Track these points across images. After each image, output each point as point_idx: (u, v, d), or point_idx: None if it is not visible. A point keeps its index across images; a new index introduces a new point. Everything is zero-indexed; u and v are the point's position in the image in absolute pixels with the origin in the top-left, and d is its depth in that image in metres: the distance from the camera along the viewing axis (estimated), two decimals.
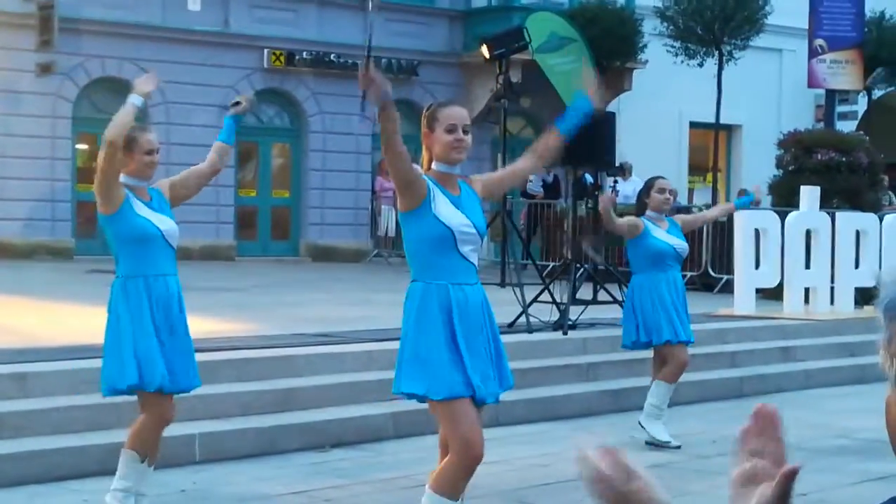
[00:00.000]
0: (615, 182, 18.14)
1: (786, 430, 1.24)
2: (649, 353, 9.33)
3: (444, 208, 5.34)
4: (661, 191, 9.08)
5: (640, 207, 9.19)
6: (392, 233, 23.07)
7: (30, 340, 9.74)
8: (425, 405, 5.50)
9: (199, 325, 10.58)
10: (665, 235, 8.98)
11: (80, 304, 12.13)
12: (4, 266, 17.58)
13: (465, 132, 5.41)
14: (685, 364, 9.12)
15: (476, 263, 5.50)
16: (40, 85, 21.72)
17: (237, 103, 6.78)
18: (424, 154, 5.56)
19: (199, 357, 8.67)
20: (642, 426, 9.06)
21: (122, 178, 6.33)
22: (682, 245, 9.07)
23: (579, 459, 1.29)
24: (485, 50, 14.00)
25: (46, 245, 21.78)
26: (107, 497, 6.38)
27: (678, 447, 9.00)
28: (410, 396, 5.47)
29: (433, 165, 5.47)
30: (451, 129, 5.38)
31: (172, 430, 7.81)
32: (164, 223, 6.35)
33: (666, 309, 8.90)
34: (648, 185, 9.19)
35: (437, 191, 5.37)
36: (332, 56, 24.57)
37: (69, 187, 22.30)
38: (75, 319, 11.10)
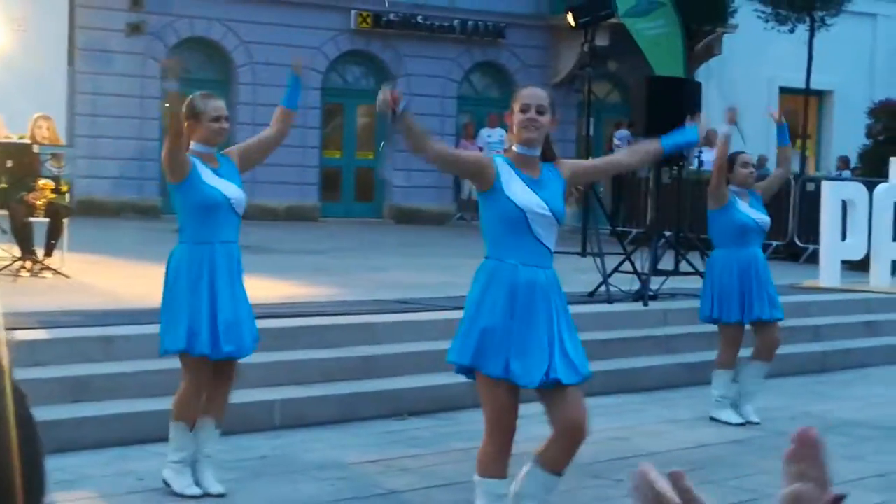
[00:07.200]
0: (700, 152, 17.90)
1: (829, 454, 1.23)
2: None
3: (516, 189, 5.39)
4: (745, 165, 8.93)
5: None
6: (475, 196, 23.02)
7: (116, 302, 9.89)
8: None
9: (280, 290, 10.72)
10: (748, 209, 8.84)
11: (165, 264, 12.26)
12: (93, 224, 17.83)
13: (539, 112, 5.45)
14: (776, 342, 9.05)
15: (552, 247, 5.50)
16: (130, 44, 21.97)
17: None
18: (508, 135, 5.75)
19: (278, 322, 8.82)
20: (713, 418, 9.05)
21: (192, 145, 6.39)
22: (764, 219, 8.90)
23: (638, 475, 1.26)
24: (570, 18, 13.89)
25: (134, 203, 22.09)
26: (164, 471, 6.46)
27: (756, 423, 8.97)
28: (458, 367, 5.53)
29: (513, 147, 5.56)
30: (524, 109, 5.46)
31: (253, 395, 7.96)
32: (231, 191, 6.38)
33: (742, 288, 8.79)
34: (731, 160, 8.92)
35: (511, 172, 5.44)
36: (419, 18, 24.53)
37: (157, 146, 22.51)
38: (160, 281, 11.23)
